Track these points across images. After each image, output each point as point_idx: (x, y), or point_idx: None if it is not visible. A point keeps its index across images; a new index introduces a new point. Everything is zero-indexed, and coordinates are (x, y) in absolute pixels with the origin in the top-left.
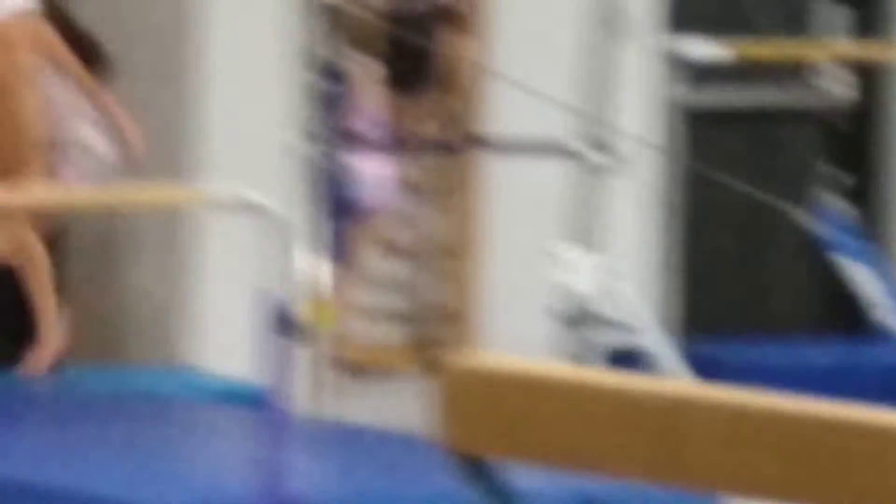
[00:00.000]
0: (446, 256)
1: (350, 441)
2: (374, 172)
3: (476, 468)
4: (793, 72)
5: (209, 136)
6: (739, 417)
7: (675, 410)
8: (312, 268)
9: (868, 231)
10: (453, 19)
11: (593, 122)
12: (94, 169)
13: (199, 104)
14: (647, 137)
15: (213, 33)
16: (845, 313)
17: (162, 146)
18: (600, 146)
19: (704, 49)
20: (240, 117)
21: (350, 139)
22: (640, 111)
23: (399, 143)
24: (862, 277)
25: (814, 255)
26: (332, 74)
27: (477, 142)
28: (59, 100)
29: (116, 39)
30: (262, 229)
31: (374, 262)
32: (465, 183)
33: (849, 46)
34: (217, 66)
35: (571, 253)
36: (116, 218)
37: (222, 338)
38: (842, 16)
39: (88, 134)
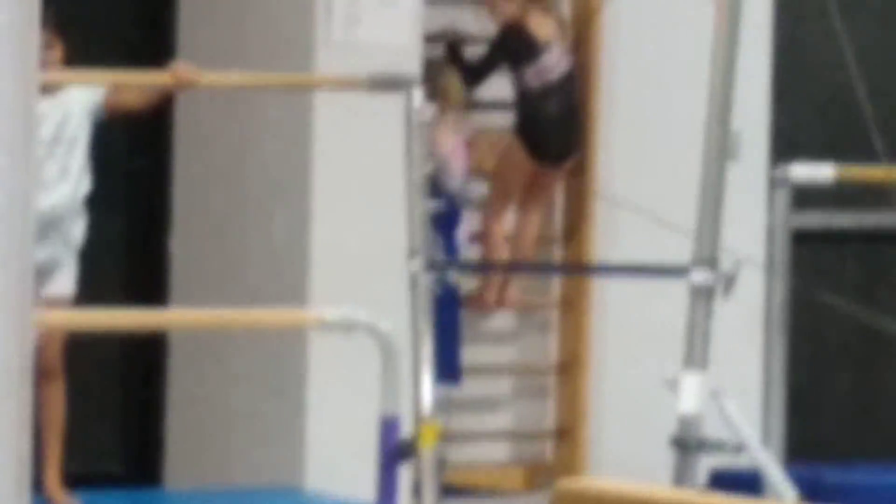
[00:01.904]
0: (556, 375)
1: None
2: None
3: None
4: None
5: (321, 260)
6: None
7: None
8: (420, 388)
9: None
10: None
11: (702, 244)
12: None
13: (311, 228)
14: (756, 259)
15: (325, 158)
16: None
17: (276, 270)
18: (709, 267)
19: (809, 172)
20: (351, 241)
21: (462, 259)
22: (748, 232)
23: (513, 264)
24: None
25: None
26: (445, 196)
27: (589, 263)
28: None
29: (233, 168)
30: (370, 351)
31: (483, 380)
32: (576, 303)
33: None
34: (329, 191)
35: (679, 374)
36: (225, 337)
37: (330, 459)
38: None
39: None
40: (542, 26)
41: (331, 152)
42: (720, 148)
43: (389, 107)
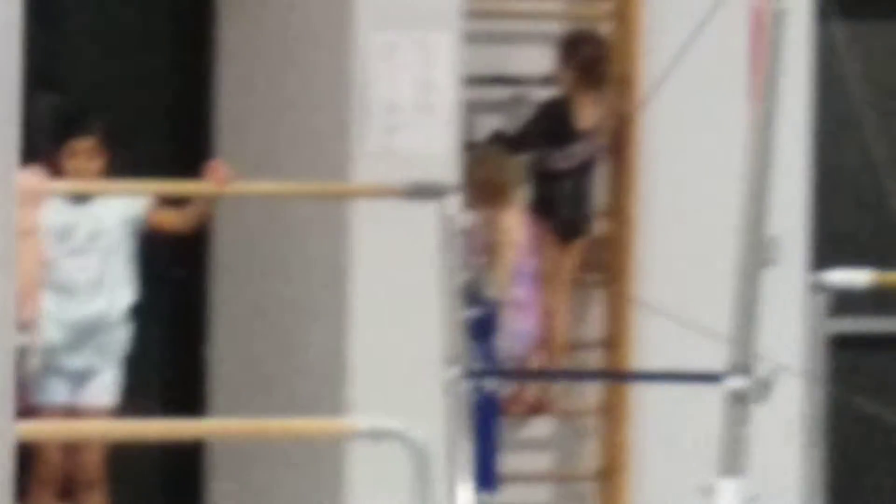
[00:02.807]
0: (595, 482)
1: None
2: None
3: None
4: None
5: (359, 368)
6: None
7: None
8: (456, 497)
9: None
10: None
11: (737, 351)
12: None
13: (349, 336)
14: (795, 365)
15: (362, 266)
16: None
17: (314, 377)
18: (743, 374)
19: (846, 278)
20: (389, 348)
21: (499, 366)
22: (787, 338)
23: (551, 372)
24: None
25: None
26: (481, 301)
27: (626, 370)
28: None
29: (271, 276)
30: (407, 459)
31: (521, 488)
32: (615, 409)
33: None
34: (366, 298)
35: (715, 481)
36: (264, 444)
37: None
38: None
39: None
40: (586, 115)
41: (368, 260)
42: (755, 254)
43: (426, 214)
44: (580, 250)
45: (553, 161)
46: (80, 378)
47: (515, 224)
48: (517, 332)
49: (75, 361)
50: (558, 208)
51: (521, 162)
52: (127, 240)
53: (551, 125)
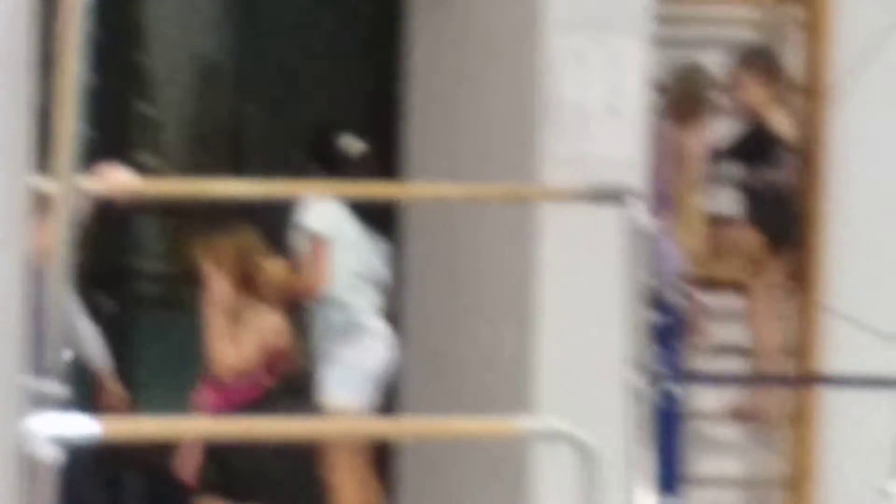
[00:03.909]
0: (782, 489)
1: None
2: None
3: None
4: None
5: (546, 370)
6: None
7: None
8: (632, 501)
9: None
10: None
11: None
12: None
13: (536, 339)
14: None
15: (551, 275)
16: None
17: (501, 380)
18: None
19: None
20: (575, 351)
21: (684, 372)
22: None
23: (735, 376)
24: None
25: None
26: (664, 307)
27: (816, 375)
28: None
29: (458, 278)
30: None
31: (708, 492)
32: (803, 416)
33: None
34: (553, 305)
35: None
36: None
37: None
38: None
39: None
40: (783, 123)
41: (554, 264)
42: None
43: (613, 219)
44: (786, 261)
45: (755, 174)
46: None
47: (700, 139)
48: (668, 242)
49: None
50: (766, 219)
51: (708, 77)
52: None
53: (754, 144)
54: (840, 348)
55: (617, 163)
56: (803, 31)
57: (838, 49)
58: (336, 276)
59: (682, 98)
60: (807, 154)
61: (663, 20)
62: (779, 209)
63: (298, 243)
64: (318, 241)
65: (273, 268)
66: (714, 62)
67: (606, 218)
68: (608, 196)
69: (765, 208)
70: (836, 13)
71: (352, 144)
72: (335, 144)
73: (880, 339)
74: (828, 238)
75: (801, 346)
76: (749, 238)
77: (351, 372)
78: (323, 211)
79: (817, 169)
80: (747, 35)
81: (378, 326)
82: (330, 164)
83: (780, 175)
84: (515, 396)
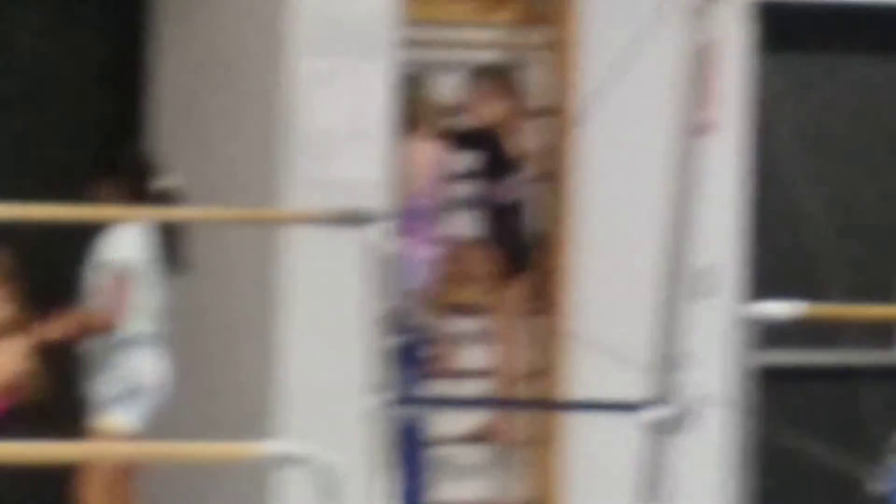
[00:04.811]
0: None
1: None
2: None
3: None
4: (877, 333)
5: (285, 394)
6: None
7: None
8: None
9: None
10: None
11: (659, 381)
12: None
13: (276, 362)
14: (726, 395)
15: (293, 298)
16: None
17: (240, 405)
18: (663, 403)
19: (776, 310)
20: (315, 375)
21: (427, 396)
22: (716, 369)
23: (478, 400)
24: None
25: None
26: (408, 330)
27: (557, 399)
28: None
29: (203, 301)
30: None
31: None
32: (545, 440)
33: None
34: (297, 326)
35: None
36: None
37: None
38: None
39: None
40: (519, 145)
41: (297, 287)
42: (674, 285)
43: (358, 241)
44: (526, 282)
45: (494, 193)
46: None
47: (423, 153)
48: (415, 261)
49: None
50: (505, 240)
51: (430, 95)
52: None
53: (491, 153)
54: (582, 372)
55: (363, 185)
56: (549, 54)
57: (584, 72)
58: (132, 308)
59: (408, 109)
60: (551, 176)
61: (410, 44)
62: (518, 230)
63: (99, 275)
64: (122, 274)
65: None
66: (461, 85)
67: (350, 241)
68: (349, 219)
69: (504, 229)
70: (581, 36)
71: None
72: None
73: (620, 364)
74: (570, 262)
75: (543, 370)
76: (489, 260)
77: (125, 393)
78: (128, 242)
79: (561, 191)
80: (494, 58)
81: (153, 350)
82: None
83: (518, 195)
84: (258, 420)
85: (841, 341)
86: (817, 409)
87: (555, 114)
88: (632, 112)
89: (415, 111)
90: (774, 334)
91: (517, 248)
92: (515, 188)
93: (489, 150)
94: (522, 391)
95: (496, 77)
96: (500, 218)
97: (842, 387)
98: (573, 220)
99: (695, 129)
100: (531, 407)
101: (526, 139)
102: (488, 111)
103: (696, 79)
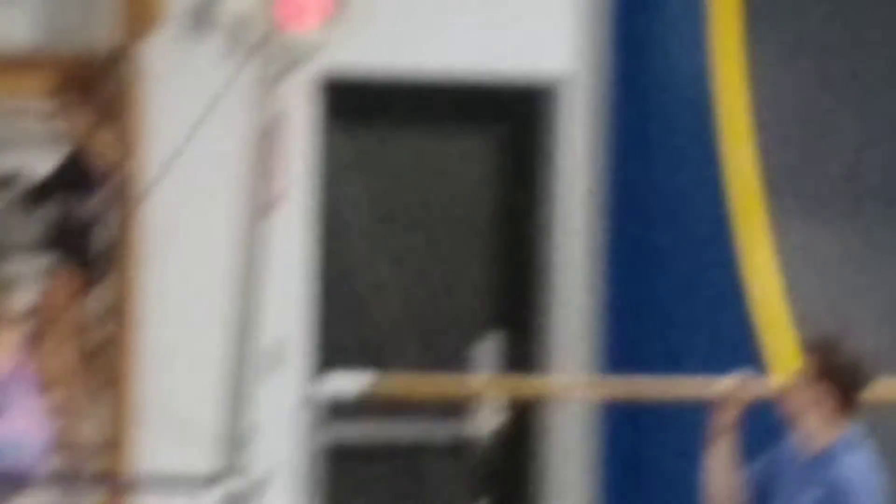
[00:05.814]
0: None
1: None
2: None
3: None
4: (450, 406)
5: None
6: None
7: None
8: None
9: None
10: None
11: (234, 454)
12: None
13: None
14: (291, 471)
15: None
16: None
17: None
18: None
19: (342, 384)
20: None
21: None
22: (286, 445)
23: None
24: None
25: None
26: None
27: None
28: None
29: None
30: None
31: None
32: None
33: (492, 381)
34: None
35: None
36: None
37: None
38: (496, 351)
39: None
40: (102, 158)
41: None
42: (243, 360)
43: None
44: (86, 351)
45: (76, 210)
46: None
47: None
48: (24, 443)
49: None
50: (89, 261)
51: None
52: None
53: (72, 175)
54: (151, 446)
55: None
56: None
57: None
58: None
59: None
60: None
61: None
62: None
63: None
64: None
65: None
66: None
67: None
68: None
69: (83, 249)
70: (147, 112)
71: None
72: None
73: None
74: (138, 336)
75: (113, 443)
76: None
77: None
78: None
79: (128, 264)
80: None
81: None
82: None
83: (95, 209)
84: None
85: (411, 415)
86: (384, 484)
87: (119, 193)
88: (199, 188)
89: None
90: (344, 408)
91: (90, 262)
92: (97, 203)
93: (74, 165)
94: (91, 466)
95: (78, 82)
96: (81, 237)
97: (410, 461)
98: (140, 295)
99: (262, 203)
100: (100, 483)
101: (108, 152)
102: (73, 121)
103: (264, 153)
